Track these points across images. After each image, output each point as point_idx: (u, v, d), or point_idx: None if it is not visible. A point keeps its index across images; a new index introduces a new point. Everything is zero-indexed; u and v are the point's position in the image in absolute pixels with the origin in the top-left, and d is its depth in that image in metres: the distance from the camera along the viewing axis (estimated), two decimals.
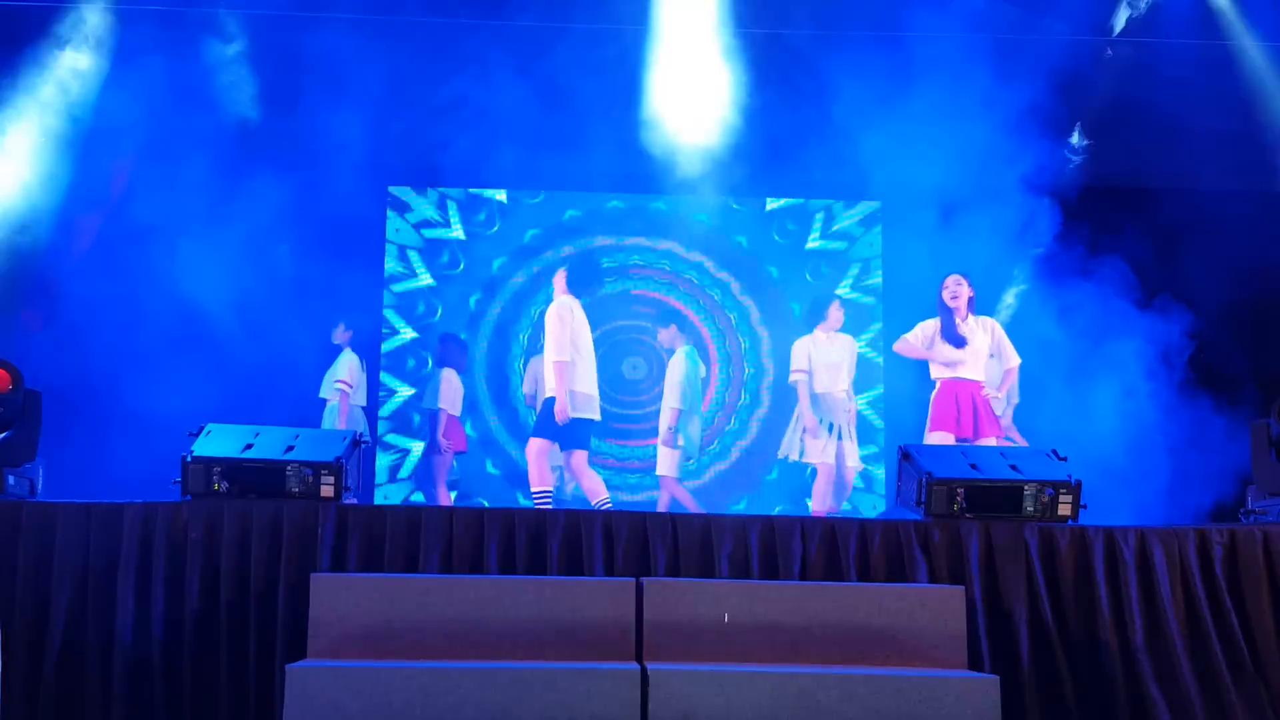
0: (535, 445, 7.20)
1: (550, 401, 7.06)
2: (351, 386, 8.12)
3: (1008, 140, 8.32)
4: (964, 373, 7.06)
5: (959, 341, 7.06)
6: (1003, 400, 7.56)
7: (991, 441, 6.92)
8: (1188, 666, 4.95)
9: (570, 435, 7.07)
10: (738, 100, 8.95)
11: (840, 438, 7.87)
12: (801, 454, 7.94)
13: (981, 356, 7.13)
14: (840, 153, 8.63)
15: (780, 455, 8.22)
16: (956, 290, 7.09)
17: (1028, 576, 5.01)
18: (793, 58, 8.94)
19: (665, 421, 8.13)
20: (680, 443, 8.12)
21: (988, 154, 8.30)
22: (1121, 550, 5.05)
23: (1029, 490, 5.22)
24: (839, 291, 8.70)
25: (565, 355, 6.98)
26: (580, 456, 7.15)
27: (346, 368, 8.10)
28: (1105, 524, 5.14)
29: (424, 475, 9.01)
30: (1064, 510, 5.21)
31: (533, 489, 7.17)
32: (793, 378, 8.01)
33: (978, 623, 4.91)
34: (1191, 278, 8.76)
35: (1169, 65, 8.65)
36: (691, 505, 8.08)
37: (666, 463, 8.13)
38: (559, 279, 7.28)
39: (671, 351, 8.37)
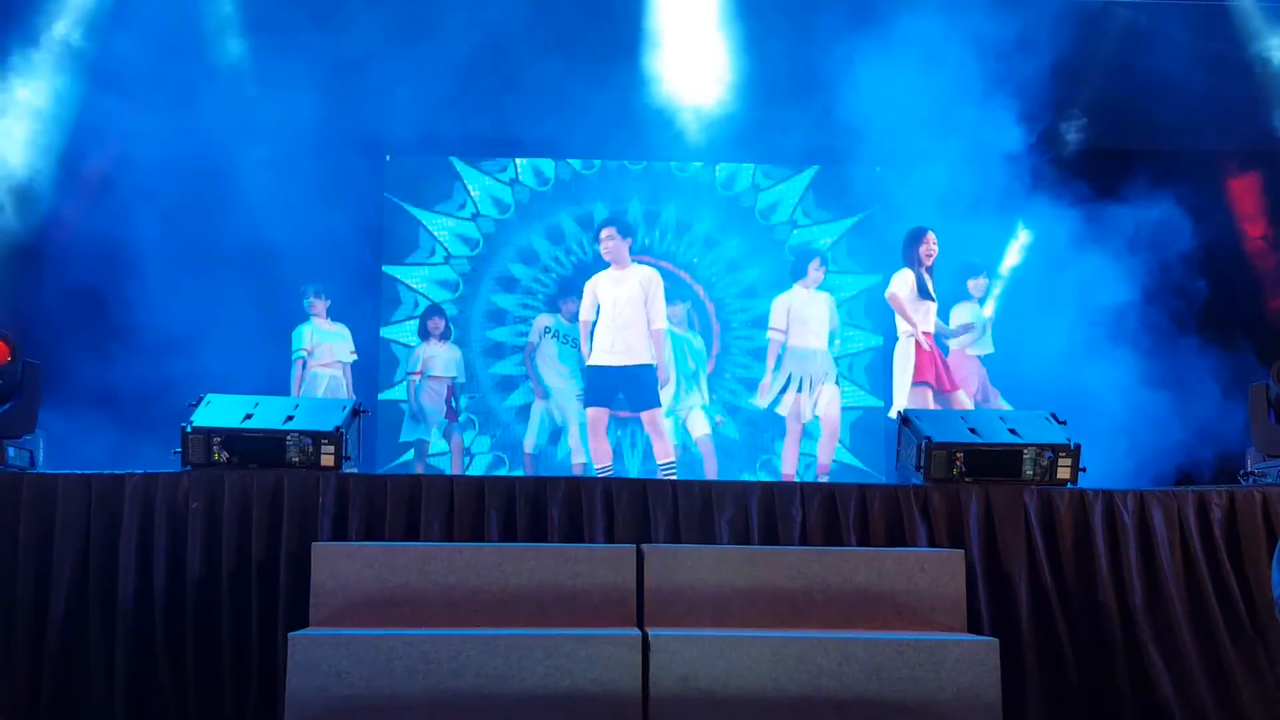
0: (592, 412, 7.53)
1: (624, 370, 7.25)
2: (309, 352, 8.10)
3: (1001, 102, 8.31)
4: (928, 326, 7.46)
5: (929, 296, 7.48)
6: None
7: (960, 395, 7.35)
8: (1187, 628, 4.96)
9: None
10: (733, 64, 8.92)
11: (807, 390, 7.87)
12: (774, 406, 8.04)
13: (933, 312, 7.56)
14: (834, 116, 8.62)
15: (761, 405, 8.28)
16: (932, 249, 7.43)
17: (1027, 540, 5.02)
18: (789, 21, 8.90)
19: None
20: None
21: (981, 115, 8.29)
22: (1121, 513, 5.06)
23: (1028, 454, 5.22)
24: (823, 250, 8.72)
25: (663, 324, 7.40)
26: (652, 414, 7.44)
27: (304, 335, 8.10)
28: (1104, 480, 5.16)
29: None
30: (1063, 474, 5.22)
31: (596, 466, 7.44)
32: (769, 335, 8.05)
33: (977, 586, 4.93)
34: (1183, 236, 8.78)
35: (1162, 24, 8.62)
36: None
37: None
38: (618, 248, 7.37)
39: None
